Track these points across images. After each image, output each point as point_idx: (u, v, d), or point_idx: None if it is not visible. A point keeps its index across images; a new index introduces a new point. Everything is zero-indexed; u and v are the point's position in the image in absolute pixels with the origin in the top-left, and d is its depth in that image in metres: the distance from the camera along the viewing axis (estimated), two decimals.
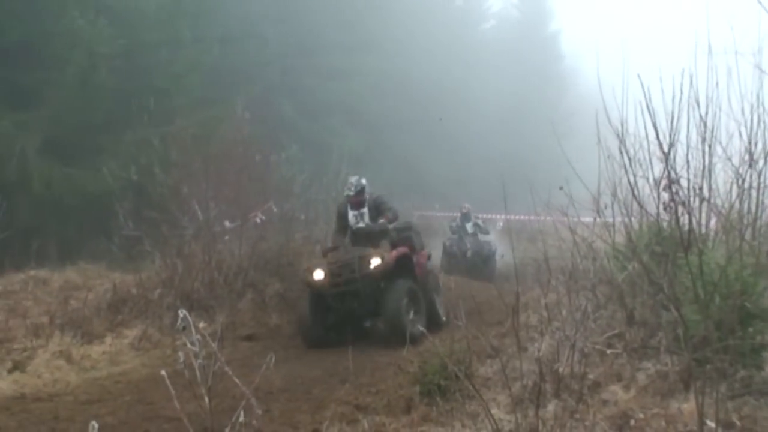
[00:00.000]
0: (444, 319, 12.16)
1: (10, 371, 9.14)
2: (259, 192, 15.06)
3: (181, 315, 4.19)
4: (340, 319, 11.77)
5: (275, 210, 15.16)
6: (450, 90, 39.08)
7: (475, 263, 20.22)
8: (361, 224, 12.33)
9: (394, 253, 11.78)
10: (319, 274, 11.59)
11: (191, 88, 19.89)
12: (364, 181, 12.46)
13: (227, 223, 14.11)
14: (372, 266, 11.46)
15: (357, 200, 12.33)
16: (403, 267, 11.79)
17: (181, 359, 3.99)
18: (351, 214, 12.43)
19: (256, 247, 13.74)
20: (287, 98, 28.08)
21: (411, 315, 11.19)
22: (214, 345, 4.13)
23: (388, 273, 11.48)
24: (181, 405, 4.16)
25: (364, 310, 11.69)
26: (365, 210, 12.42)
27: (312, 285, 11.69)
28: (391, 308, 11.07)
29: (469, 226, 21.47)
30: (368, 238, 12.23)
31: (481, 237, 21.45)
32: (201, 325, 4.57)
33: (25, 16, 16.41)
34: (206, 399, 3.94)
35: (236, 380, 4.32)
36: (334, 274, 11.55)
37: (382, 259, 11.53)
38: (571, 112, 43.14)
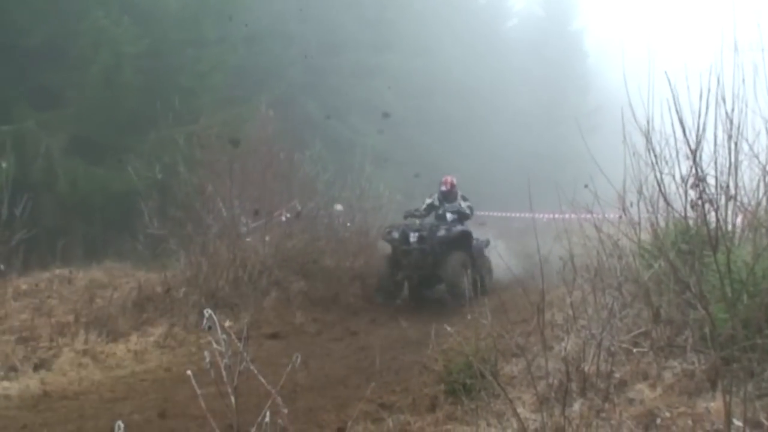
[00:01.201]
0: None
1: (35, 369, 9.17)
2: (284, 190, 15.11)
3: (206, 314, 4.19)
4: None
5: (299, 208, 15.21)
6: (473, 88, 39.02)
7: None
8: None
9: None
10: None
11: (216, 87, 19.95)
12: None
13: (250, 224, 14.16)
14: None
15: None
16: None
17: (207, 358, 4.00)
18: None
19: (280, 245, 13.78)
20: (311, 97, 28.12)
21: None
22: (240, 344, 4.12)
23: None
24: (207, 403, 4.17)
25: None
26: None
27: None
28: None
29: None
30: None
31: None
32: (226, 323, 4.57)
33: (49, 16, 16.50)
34: (232, 398, 3.95)
35: (261, 379, 4.32)
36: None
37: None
38: (595, 109, 43.05)
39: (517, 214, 26.13)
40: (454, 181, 15.97)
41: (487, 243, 17.17)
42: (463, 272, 12.93)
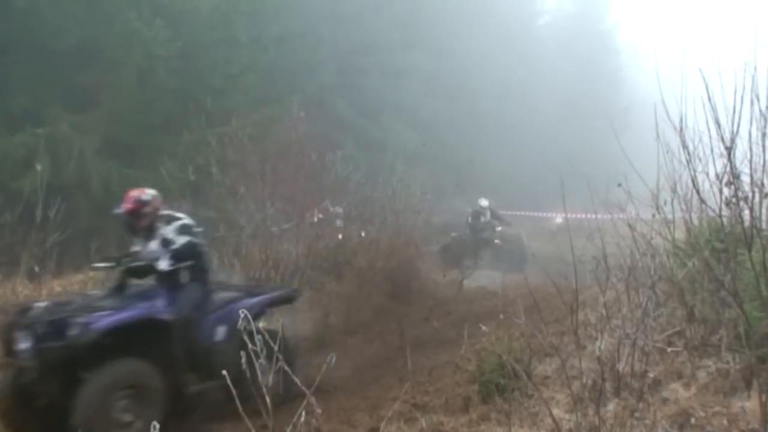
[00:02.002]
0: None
1: None
2: (315, 191, 15.14)
3: (242, 315, 4.23)
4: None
5: (331, 209, 15.22)
6: (505, 87, 39.01)
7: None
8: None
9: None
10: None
11: (247, 88, 20.03)
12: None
13: (283, 224, 14.20)
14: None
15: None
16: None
17: (243, 359, 4.03)
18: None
19: (312, 246, 13.81)
20: (342, 97, 28.20)
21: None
22: (274, 345, 4.14)
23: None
24: (241, 404, 4.20)
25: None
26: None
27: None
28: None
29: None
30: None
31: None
32: (261, 324, 4.57)
33: (82, 18, 16.62)
34: (267, 398, 3.98)
35: (296, 379, 4.34)
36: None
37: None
38: (627, 107, 42.84)
39: (549, 214, 26.09)
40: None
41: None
42: None
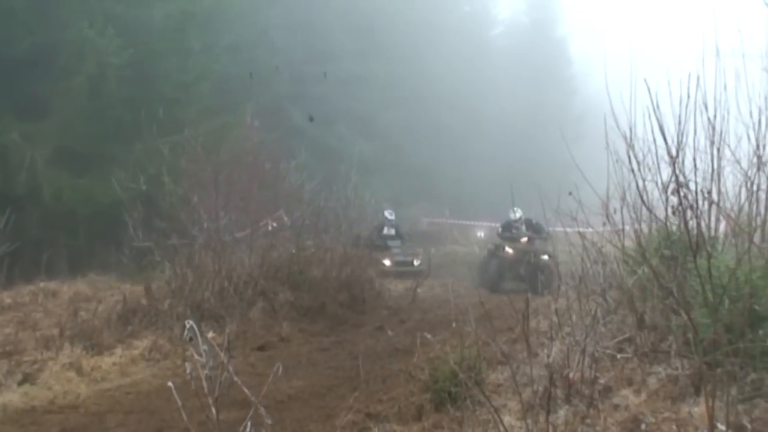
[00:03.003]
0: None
1: (20, 383, 9.12)
2: (270, 200, 15.09)
3: (187, 326, 4.19)
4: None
5: (285, 219, 15.18)
6: (459, 96, 39.21)
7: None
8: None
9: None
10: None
11: (200, 97, 19.95)
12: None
13: (235, 234, 14.13)
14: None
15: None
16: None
17: (189, 370, 3.99)
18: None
19: (266, 255, 13.75)
20: (297, 105, 28.16)
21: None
22: (223, 355, 4.11)
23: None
24: (190, 416, 4.16)
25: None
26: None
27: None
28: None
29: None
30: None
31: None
32: (210, 334, 4.55)
33: (33, 26, 16.50)
34: (213, 409, 3.94)
35: (245, 390, 4.31)
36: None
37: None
38: (580, 116, 43.29)
39: (482, 223, 26.29)
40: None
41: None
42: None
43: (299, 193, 16.36)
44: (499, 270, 19.29)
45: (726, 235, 6.95)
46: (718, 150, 6.73)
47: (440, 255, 24.62)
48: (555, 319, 7.45)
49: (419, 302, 15.42)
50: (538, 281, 14.59)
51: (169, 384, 4.13)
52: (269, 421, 4.26)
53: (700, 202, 6.23)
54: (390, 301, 15.65)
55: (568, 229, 8.34)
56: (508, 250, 19.58)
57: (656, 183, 6.91)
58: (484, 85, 42.28)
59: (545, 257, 17.98)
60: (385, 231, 21.72)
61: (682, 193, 5.58)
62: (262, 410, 4.22)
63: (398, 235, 22.01)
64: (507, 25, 51.70)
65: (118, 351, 10.55)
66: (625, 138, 7.18)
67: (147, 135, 16.08)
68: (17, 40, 16.31)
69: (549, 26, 51.13)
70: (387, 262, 20.37)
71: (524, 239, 19.71)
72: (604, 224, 7.88)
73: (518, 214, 19.83)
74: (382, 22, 33.48)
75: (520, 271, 17.60)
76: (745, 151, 7.02)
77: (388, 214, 21.93)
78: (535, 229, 19.72)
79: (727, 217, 6.80)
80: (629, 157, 7.05)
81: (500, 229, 20.67)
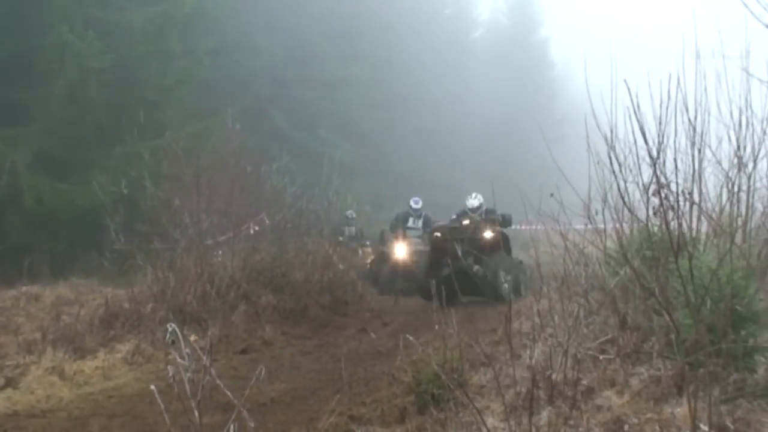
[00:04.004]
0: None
1: (2, 388, 9.07)
2: (251, 203, 15.08)
3: (169, 329, 4.17)
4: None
5: (267, 222, 15.16)
6: (441, 98, 39.28)
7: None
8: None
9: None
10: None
11: (182, 101, 19.90)
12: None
13: (217, 237, 14.11)
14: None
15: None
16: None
17: (171, 373, 3.98)
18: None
19: (248, 258, 13.73)
20: (278, 109, 28.17)
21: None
22: (206, 358, 4.10)
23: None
24: (173, 419, 4.14)
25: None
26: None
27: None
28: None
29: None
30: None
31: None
32: (193, 338, 4.55)
33: (13, 30, 16.42)
34: (196, 413, 3.93)
35: (228, 393, 4.30)
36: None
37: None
38: (561, 118, 43.44)
39: None
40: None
41: None
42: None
43: (281, 196, 16.32)
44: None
45: (707, 236, 6.98)
46: (699, 151, 6.78)
47: None
48: (537, 320, 7.46)
49: (401, 305, 15.44)
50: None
51: (152, 387, 4.12)
52: (252, 425, 4.24)
53: (681, 203, 6.25)
54: (373, 304, 15.67)
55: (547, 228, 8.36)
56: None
57: (637, 184, 6.94)
58: (466, 88, 42.36)
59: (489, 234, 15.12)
60: (410, 223, 19.07)
61: (663, 194, 5.60)
62: (245, 413, 4.21)
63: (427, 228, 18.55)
64: (487, 27, 51.80)
65: (101, 355, 10.51)
66: (606, 139, 7.21)
67: (128, 139, 16.01)
68: None
69: (530, 28, 51.32)
70: None
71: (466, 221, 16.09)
72: (585, 225, 7.91)
73: (477, 201, 16.71)
74: (363, 25, 33.49)
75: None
76: (726, 152, 7.07)
77: (414, 203, 19.22)
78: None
79: (709, 217, 6.83)
80: (610, 159, 7.07)
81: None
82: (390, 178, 33.90)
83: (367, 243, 21.90)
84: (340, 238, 19.55)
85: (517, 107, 45.20)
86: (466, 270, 12.53)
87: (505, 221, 15.72)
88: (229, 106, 18.08)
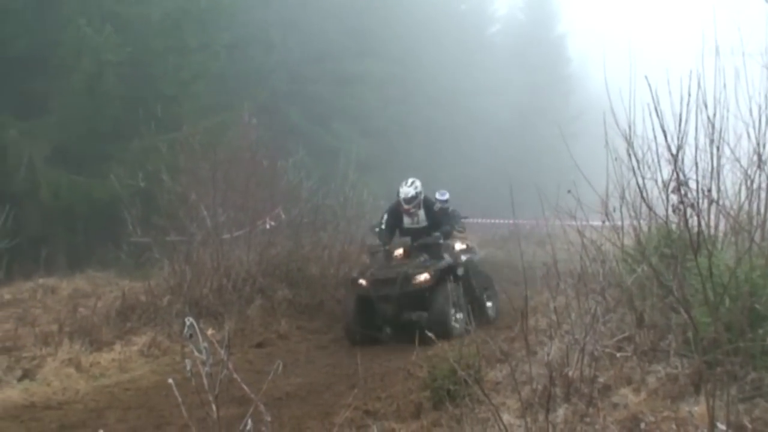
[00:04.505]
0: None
1: (19, 379, 9.13)
2: (267, 198, 15.08)
3: (187, 323, 4.17)
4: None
5: (283, 216, 15.17)
6: (456, 94, 39.13)
7: None
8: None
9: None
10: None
11: (198, 95, 19.92)
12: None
13: (234, 231, 14.12)
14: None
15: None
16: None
17: (188, 366, 3.98)
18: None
19: (264, 253, 13.74)
20: (294, 104, 28.15)
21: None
22: (223, 352, 4.10)
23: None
24: (190, 412, 4.15)
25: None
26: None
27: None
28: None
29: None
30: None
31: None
32: (209, 332, 4.56)
33: (31, 25, 16.45)
34: (213, 406, 3.93)
35: (245, 387, 4.30)
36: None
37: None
38: (578, 115, 43.21)
39: (500, 221, 26.10)
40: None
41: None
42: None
43: (297, 190, 16.31)
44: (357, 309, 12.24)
45: (726, 234, 6.94)
46: (718, 148, 6.74)
47: None
48: (554, 317, 7.45)
49: None
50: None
51: (170, 380, 4.12)
52: (269, 419, 4.24)
53: (700, 201, 6.22)
54: None
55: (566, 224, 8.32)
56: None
57: (656, 181, 6.90)
58: (481, 84, 42.18)
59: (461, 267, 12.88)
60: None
61: (682, 192, 5.57)
62: (261, 407, 4.21)
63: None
64: (504, 22, 51.51)
65: (117, 347, 10.57)
66: (624, 136, 7.18)
67: (145, 132, 16.04)
68: (15, 38, 16.27)
69: (547, 24, 50.95)
70: None
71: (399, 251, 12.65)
72: (603, 222, 7.88)
73: (413, 189, 13.05)
74: (378, 21, 33.40)
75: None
76: (745, 149, 7.03)
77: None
78: (436, 218, 13.20)
79: (728, 215, 6.79)
80: (629, 155, 7.04)
81: (383, 219, 13.49)
82: (405, 173, 33.74)
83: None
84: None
85: (532, 103, 44.97)
86: (407, 320, 11.79)
87: (447, 221, 13.31)
88: (245, 101, 18.07)
